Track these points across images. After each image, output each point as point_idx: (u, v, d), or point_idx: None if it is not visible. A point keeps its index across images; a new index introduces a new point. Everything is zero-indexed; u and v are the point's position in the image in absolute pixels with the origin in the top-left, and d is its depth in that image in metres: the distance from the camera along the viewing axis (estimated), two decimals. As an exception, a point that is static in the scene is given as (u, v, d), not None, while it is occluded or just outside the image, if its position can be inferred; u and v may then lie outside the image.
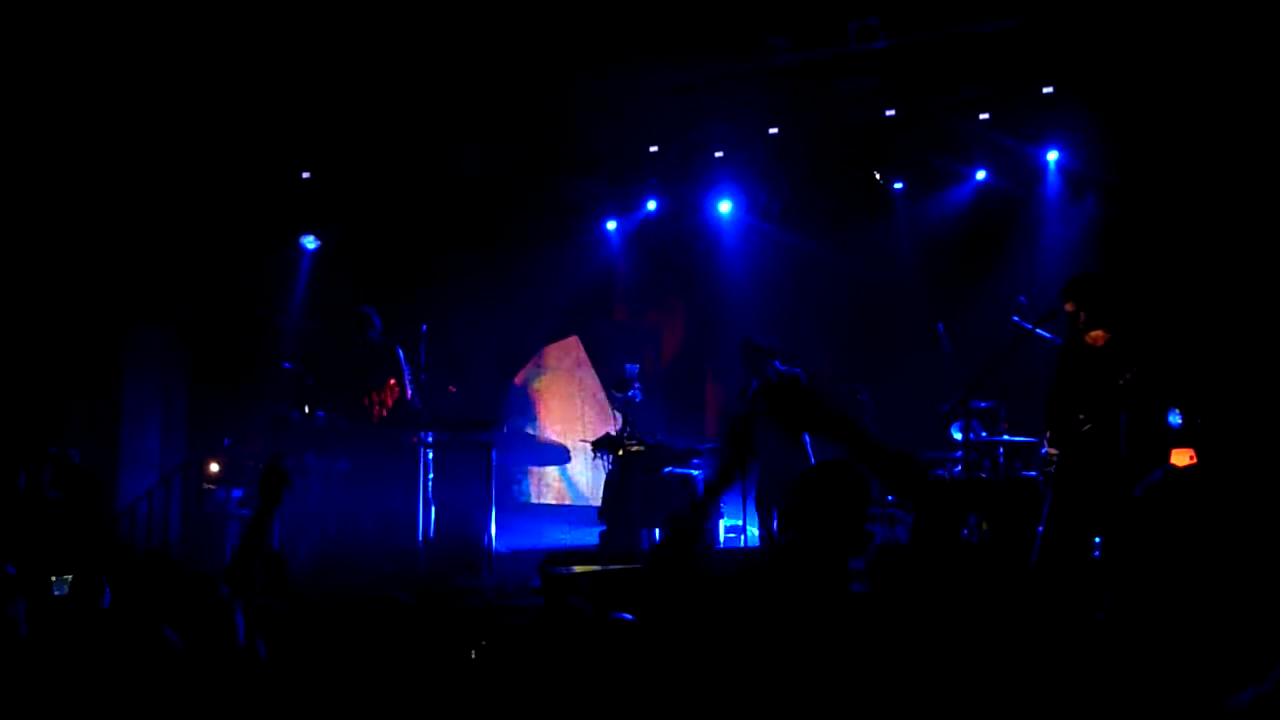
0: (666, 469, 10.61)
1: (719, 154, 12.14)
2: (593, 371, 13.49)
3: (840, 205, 12.26)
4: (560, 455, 13.05)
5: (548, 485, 13.36)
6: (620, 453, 10.75)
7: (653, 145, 12.21)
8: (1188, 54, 9.83)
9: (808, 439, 10.02)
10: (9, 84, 10.00)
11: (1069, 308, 7.45)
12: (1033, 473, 9.34)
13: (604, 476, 10.94)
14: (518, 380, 13.46)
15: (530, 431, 13.16)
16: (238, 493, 10.90)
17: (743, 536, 10.19)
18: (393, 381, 10.47)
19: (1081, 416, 7.28)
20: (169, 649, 3.32)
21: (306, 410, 10.58)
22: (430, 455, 10.43)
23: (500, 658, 3.71)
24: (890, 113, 11.25)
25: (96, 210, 11.09)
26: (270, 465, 4.38)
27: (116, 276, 11.36)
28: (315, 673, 3.36)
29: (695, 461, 10.79)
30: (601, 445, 10.97)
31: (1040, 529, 7.45)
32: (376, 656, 3.41)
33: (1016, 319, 8.59)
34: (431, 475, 10.46)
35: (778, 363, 9.76)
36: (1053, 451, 7.56)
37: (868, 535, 3.74)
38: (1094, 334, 7.39)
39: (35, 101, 10.25)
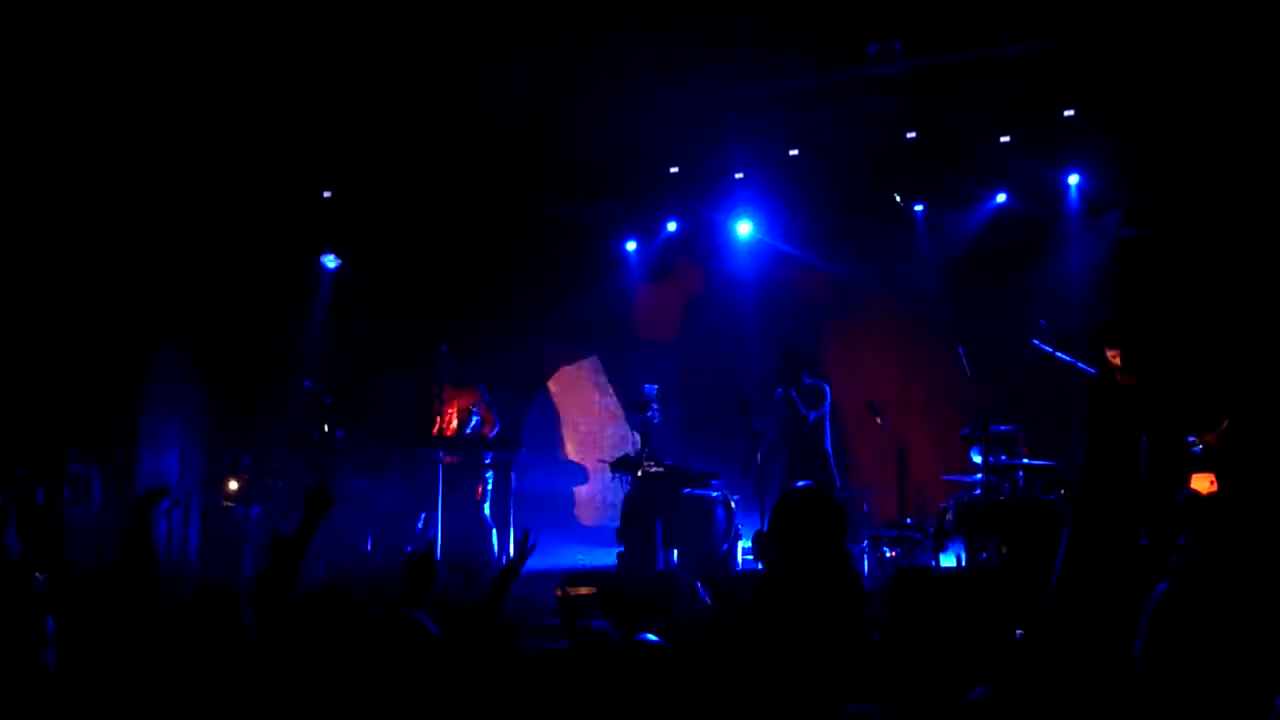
0: (685, 490, 10.59)
1: (739, 175, 12.15)
2: (611, 392, 13.49)
3: (860, 227, 12.25)
4: (578, 475, 13.03)
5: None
6: (639, 474, 10.74)
7: (673, 167, 12.24)
8: (1210, 78, 9.82)
9: (830, 453, 10.06)
10: (42, 101, 10.09)
11: (1112, 354, 7.43)
12: (1052, 496, 9.30)
13: (622, 497, 10.93)
14: (536, 400, 13.46)
15: (549, 451, 13.15)
16: (256, 511, 10.93)
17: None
18: (454, 410, 10.65)
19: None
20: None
21: (325, 429, 10.64)
22: (447, 475, 10.48)
23: (520, 681, 3.70)
24: (911, 135, 11.25)
25: (119, 225, 11.15)
26: (317, 486, 4.46)
27: (138, 292, 11.40)
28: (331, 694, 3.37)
29: (714, 483, 10.78)
30: (620, 466, 10.96)
31: (1060, 553, 7.42)
32: (393, 674, 3.41)
33: (1036, 342, 8.58)
34: (455, 495, 10.53)
35: (805, 375, 10.02)
36: None
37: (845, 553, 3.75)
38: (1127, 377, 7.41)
39: (64, 118, 10.34)
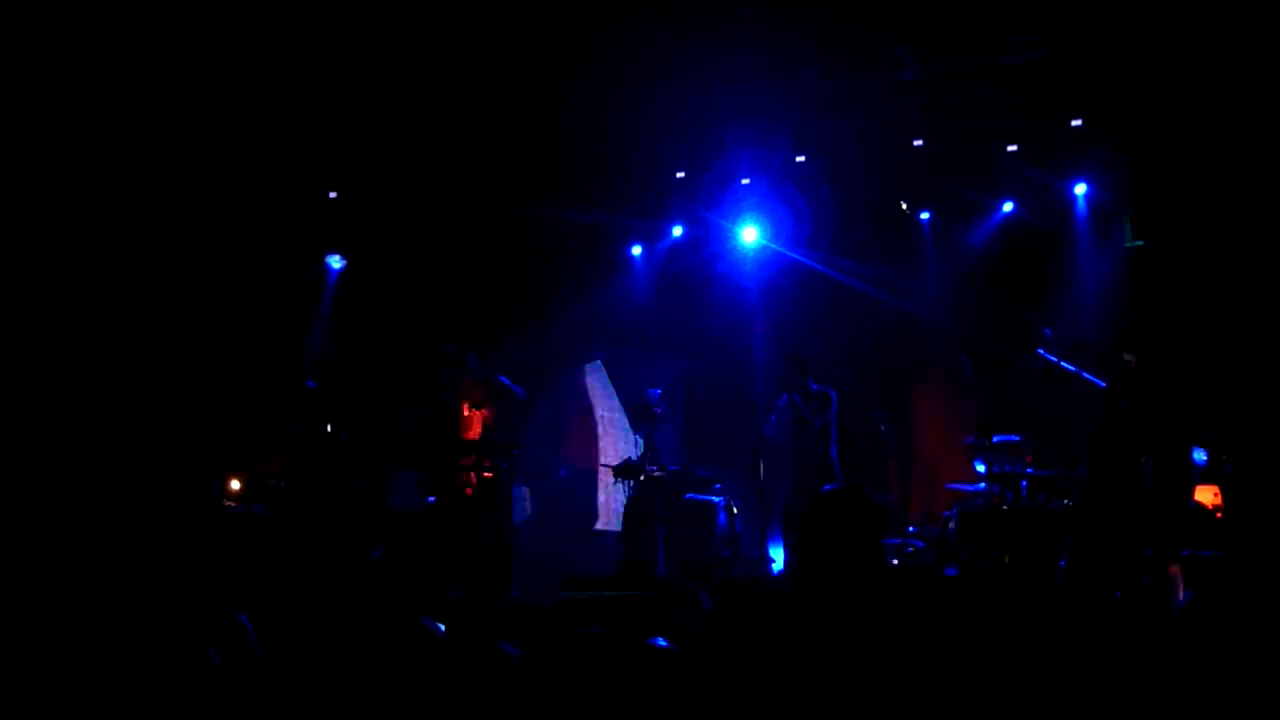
0: (688, 495, 10.57)
1: (745, 181, 12.15)
2: (615, 396, 13.47)
3: (866, 234, 12.25)
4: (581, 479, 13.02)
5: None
6: (641, 478, 10.72)
7: (679, 171, 12.24)
8: (1216, 86, 9.81)
9: (835, 461, 10.01)
10: (50, 101, 10.10)
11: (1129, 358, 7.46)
12: (1056, 506, 9.27)
13: (625, 502, 10.91)
14: (540, 404, 13.44)
15: (552, 455, 13.13)
16: (258, 510, 10.91)
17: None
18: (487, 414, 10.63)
19: None
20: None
21: (330, 429, 10.61)
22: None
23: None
24: (918, 143, 11.24)
25: (124, 226, 11.15)
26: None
27: (139, 292, 11.39)
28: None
29: (717, 487, 10.75)
30: (623, 471, 10.95)
31: (1063, 562, 7.41)
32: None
33: (1041, 351, 8.56)
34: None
35: (812, 382, 9.97)
36: None
37: (884, 566, 3.68)
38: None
39: (72, 119, 10.35)
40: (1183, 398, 7.44)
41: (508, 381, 10.69)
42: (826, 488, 3.94)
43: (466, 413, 10.74)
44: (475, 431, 10.89)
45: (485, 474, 10.67)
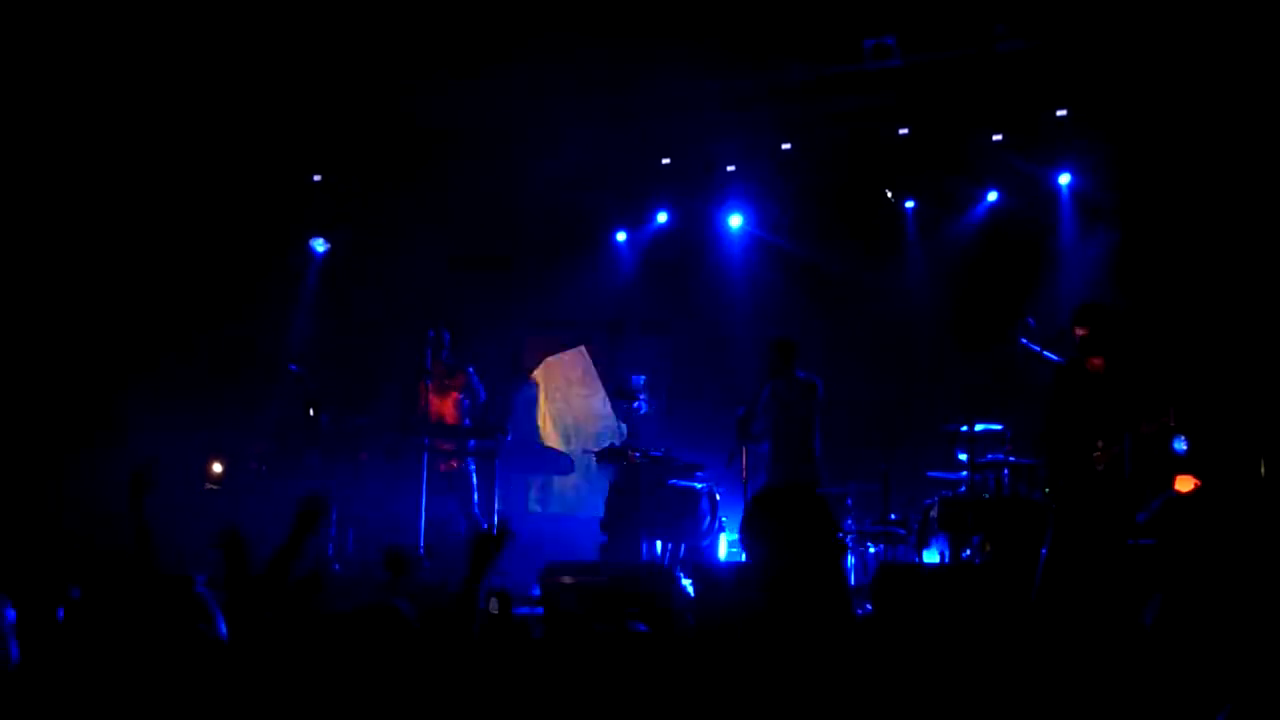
0: (671, 481, 10.57)
1: (730, 168, 12.14)
2: (599, 382, 13.45)
3: (851, 222, 12.24)
4: (564, 465, 13.01)
5: (550, 495, 13.32)
6: (624, 464, 10.71)
7: (665, 158, 12.23)
8: (1200, 78, 9.85)
9: (818, 450, 10.01)
10: (31, 89, 10.07)
11: (1080, 332, 7.49)
12: (1037, 494, 9.31)
13: (607, 488, 10.90)
14: (523, 389, 13.43)
15: (535, 440, 13.11)
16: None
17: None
18: (456, 396, 10.64)
19: (1100, 445, 7.31)
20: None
21: (311, 413, 10.60)
22: (433, 461, 10.47)
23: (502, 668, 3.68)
24: (903, 131, 11.26)
25: (105, 211, 11.13)
26: (311, 496, 4.43)
27: (124, 277, 11.37)
28: (311, 681, 3.35)
29: (699, 475, 10.75)
30: (605, 456, 10.93)
31: (1044, 551, 7.43)
32: (373, 665, 3.39)
33: (1024, 340, 8.58)
34: (440, 482, 10.51)
35: (798, 370, 9.92)
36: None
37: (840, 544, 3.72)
38: (1095, 361, 7.45)
39: (53, 102, 10.31)
40: (1146, 376, 7.51)
41: (475, 376, 10.74)
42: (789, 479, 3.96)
43: (431, 395, 10.69)
44: (448, 415, 10.86)
45: (453, 461, 10.68)
